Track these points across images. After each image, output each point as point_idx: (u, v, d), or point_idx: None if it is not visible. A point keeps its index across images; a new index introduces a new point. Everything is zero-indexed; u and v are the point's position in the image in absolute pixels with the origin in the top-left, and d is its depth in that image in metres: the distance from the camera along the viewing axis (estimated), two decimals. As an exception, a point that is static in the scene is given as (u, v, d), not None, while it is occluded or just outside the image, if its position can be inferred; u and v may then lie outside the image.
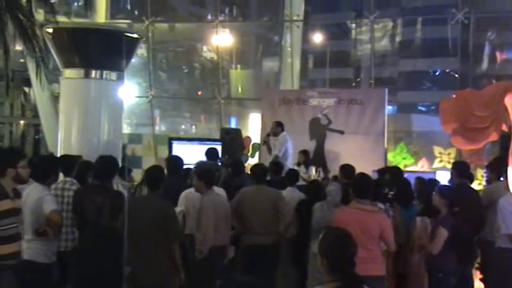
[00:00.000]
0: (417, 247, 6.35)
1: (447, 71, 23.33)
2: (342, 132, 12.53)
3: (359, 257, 5.46)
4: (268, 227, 6.89)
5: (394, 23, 22.60)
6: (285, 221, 6.93)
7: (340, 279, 2.98)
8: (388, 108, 14.44)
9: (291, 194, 7.59)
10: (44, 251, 5.74)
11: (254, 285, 2.82)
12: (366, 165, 10.34)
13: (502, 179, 7.29)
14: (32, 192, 5.69)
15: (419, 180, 7.96)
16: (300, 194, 7.76)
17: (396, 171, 8.60)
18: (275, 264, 7.04)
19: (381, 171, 8.84)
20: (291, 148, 10.93)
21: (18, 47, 14.36)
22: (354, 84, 25.18)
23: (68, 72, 9.61)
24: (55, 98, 14.15)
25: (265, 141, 11.13)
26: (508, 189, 6.71)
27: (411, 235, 6.39)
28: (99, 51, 9.42)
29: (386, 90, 13.29)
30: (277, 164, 8.73)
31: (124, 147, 12.35)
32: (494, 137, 4.22)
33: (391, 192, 7.17)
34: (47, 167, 6.02)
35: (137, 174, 10.98)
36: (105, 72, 9.63)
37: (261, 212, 6.89)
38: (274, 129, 10.94)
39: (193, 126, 23.70)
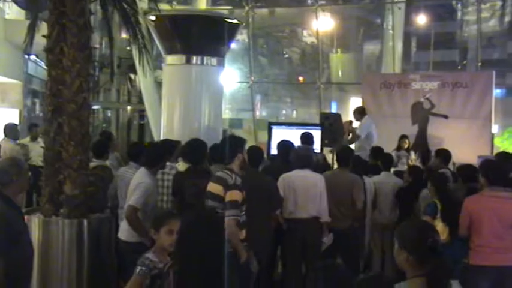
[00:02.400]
0: None
1: (561, 51, 22.08)
2: (445, 117, 12.14)
3: (494, 247, 5.33)
4: (345, 212, 6.82)
5: (503, 2, 21.50)
6: (356, 207, 6.85)
7: (427, 274, 2.83)
8: (496, 92, 13.81)
9: (385, 179, 7.42)
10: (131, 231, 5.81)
11: (340, 270, 2.77)
12: (471, 151, 10.01)
13: None
14: (136, 177, 5.90)
15: None
16: (396, 179, 7.58)
17: (505, 156, 8.16)
18: (355, 249, 6.97)
19: (500, 156, 8.34)
20: (375, 134, 10.69)
21: (124, 35, 14.94)
22: (459, 67, 24.30)
23: (170, 59, 9.79)
24: (158, 84, 14.53)
25: (349, 130, 10.96)
26: None
27: None
28: (200, 37, 9.51)
29: (494, 72, 12.69)
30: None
31: (225, 132, 12.50)
32: None
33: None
34: (156, 154, 6.18)
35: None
36: (206, 58, 9.71)
37: (339, 197, 6.79)
38: (356, 116, 10.78)
39: (294, 111, 23.72)
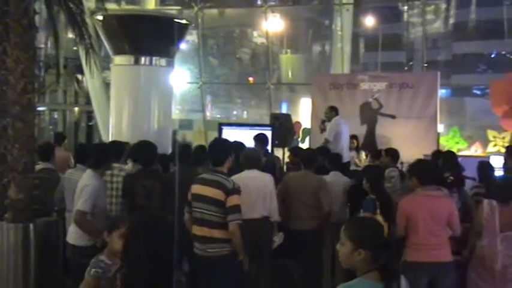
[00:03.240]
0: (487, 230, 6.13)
1: (502, 53, 22.72)
2: (393, 117, 12.32)
3: (429, 244, 5.51)
4: (311, 213, 6.87)
5: (447, 5, 22.03)
6: (323, 209, 6.86)
7: (379, 268, 2.91)
8: (441, 92, 14.12)
9: (334, 179, 7.50)
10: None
11: (291, 269, 2.80)
12: (418, 150, 10.17)
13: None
14: (82, 179, 5.81)
15: (483, 163, 7.72)
16: (345, 178, 7.66)
17: (450, 155, 8.40)
18: (319, 250, 7.02)
19: (434, 156, 8.62)
20: (345, 132, 10.70)
21: (71, 34, 14.67)
22: (406, 67, 24.75)
23: (118, 59, 9.70)
24: (106, 85, 14.35)
25: (321, 128, 10.97)
26: None
27: (477, 218, 6.18)
28: (149, 37, 9.46)
29: (439, 73, 12.96)
30: (322, 149, 8.68)
31: (174, 133, 12.43)
32: (547, 119, 4.07)
33: (451, 177, 7.00)
34: (101, 155, 6.09)
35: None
36: (154, 58, 9.67)
37: (305, 198, 6.85)
38: (327, 114, 10.77)
39: (244, 112, 23.75)
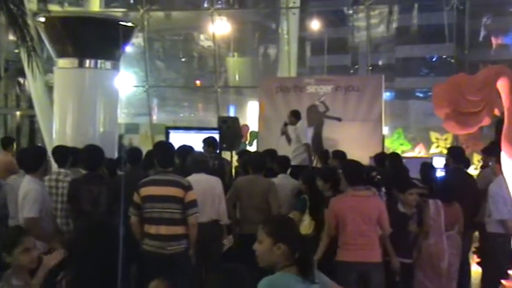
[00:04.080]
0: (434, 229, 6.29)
1: (444, 57, 23.33)
2: (339, 119, 12.47)
3: (358, 244, 5.61)
4: (263, 216, 6.89)
5: (391, 10, 22.51)
6: (272, 212, 6.86)
7: (296, 262, 3.11)
8: (386, 95, 14.41)
9: (282, 181, 7.54)
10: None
11: (240, 273, 2.85)
12: (364, 152, 10.33)
13: (490, 163, 7.29)
14: (23, 185, 5.72)
15: (425, 165, 7.91)
16: (293, 181, 7.72)
17: (395, 157, 8.62)
18: None
19: (378, 157, 8.82)
20: (309, 137, 10.88)
21: (12, 37, 14.34)
22: (351, 71, 25.17)
23: (62, 62, 9.53)
24: (49, 89, 14.06)
25: (283, 131, 11.00)
26: (499, 174, 6.68)
27: (424, 218, 6.34)
28: (93, 40, 9.33)
29: (383, 76, 13.23)
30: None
31: (121, 137, 12.29)
32: (486, 121, 4.12)
33: (378, 177, 7.14)
34: (32, 159, 5.99)
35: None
36: (99, 61, 9.55)
37: (256, 202, 6.88)
38: (290, 119, 10.82)
39: (191, 115, 23.67)
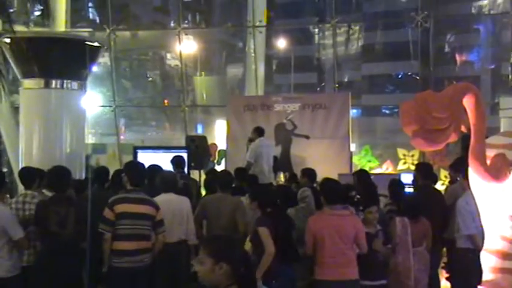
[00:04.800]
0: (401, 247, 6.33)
1: (409, 73, 23.70)
2: (307, 137, 12.54)
3: (337, 263, 5.64)
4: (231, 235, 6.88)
5: (356, 28, 22.81)
6: (239, 230, 6.82)
7: (237, 281, 3.07)
8: (353, 112, 14.55)
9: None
10: (7, 267, 5.69)
11: None
12: (332, 169, 10.40)
13: (458, 179, 7.39)
14: None
15: (394, 181, 7.94)
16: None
17: (363, 174, 8.62)
18: None
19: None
20: (267, 154, 10.71)
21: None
22: (318, 88, 25.36)
23: (27, 83, 9.45)
24: (15, 110, 13.87)
25: (247, 147, 11.00)
26: (467, 189, 6.77)
27: (391, 235, 6.39)
28: (59, 60, 9.28)
29: (350, 94, 13.37)
30: (241, 170, 8.73)
31: (88, 157, 12.16)
32: (453, 138, 4.18)
33: (358, 196, 7.20)
34: None
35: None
36: (65, 81, 9.50)
37: (223, 221, 6.84)
38: (252, 135, 10.81)
39: (159, 134, 23.59)
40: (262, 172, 10.05)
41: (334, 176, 9.26)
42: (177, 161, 8.96)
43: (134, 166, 6.53)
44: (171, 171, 7.71)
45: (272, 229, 5.77)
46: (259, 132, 10.70)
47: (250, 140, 10.75)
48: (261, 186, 7.71)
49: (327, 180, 6.38)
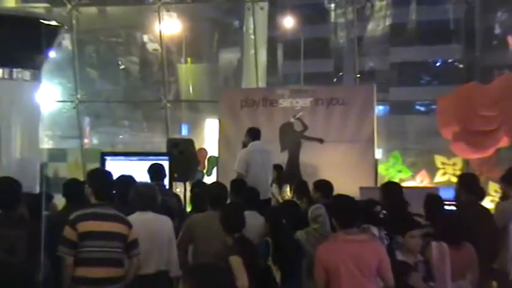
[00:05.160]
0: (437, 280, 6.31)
1: (449, 61, 23.72)
2: (320, 141, 12.56)
3: None
4: (222, 264, 6.89)
5: (382, 3, 22.84)
6: None
7: None
8: (378, 109, 14.56)
9: (249, 221, 7.44)
10: None
11: None
12: (352, 182, 10.41)
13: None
14: None
15: (431, 197, 7.88)
16: (262, 219, 7.66)
17: (393, 187, 8.44)
18: None
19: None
20: (261, 160, 10.63)
21: None
22: (335, 79, 25.37)
23: (-32, 72, 9.52)
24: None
25: None
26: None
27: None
28: (8, 44, 9.32)
29: (375, 86, 13.37)
30: (238, 182, 8.71)
31: (43, 166, 12.20)
32: (505, 141, 4.18)
33: (384, 212, 7.16)
34: None
35: (61, 202, 10.81)
36: (15, 70, 9.55)
37: (213, 246, 6.84)
38: (244, 139, 10.75)
39: (133, 138, 23.63)
40: (257, 185, 10.01)
41: (355, 190, 9.32)
42: (154, 171, 8.95)
43: (100, 175, 6.52)
44: (149, 183, 7.68)
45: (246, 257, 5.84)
46: (252, 134, 10.61)
47: (244, 145, 10.69)
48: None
49: (338, 197, 6.33)
